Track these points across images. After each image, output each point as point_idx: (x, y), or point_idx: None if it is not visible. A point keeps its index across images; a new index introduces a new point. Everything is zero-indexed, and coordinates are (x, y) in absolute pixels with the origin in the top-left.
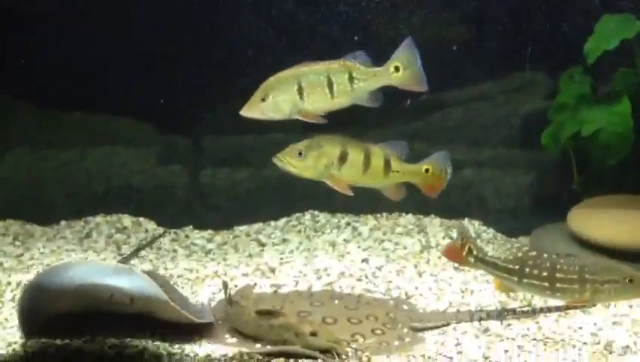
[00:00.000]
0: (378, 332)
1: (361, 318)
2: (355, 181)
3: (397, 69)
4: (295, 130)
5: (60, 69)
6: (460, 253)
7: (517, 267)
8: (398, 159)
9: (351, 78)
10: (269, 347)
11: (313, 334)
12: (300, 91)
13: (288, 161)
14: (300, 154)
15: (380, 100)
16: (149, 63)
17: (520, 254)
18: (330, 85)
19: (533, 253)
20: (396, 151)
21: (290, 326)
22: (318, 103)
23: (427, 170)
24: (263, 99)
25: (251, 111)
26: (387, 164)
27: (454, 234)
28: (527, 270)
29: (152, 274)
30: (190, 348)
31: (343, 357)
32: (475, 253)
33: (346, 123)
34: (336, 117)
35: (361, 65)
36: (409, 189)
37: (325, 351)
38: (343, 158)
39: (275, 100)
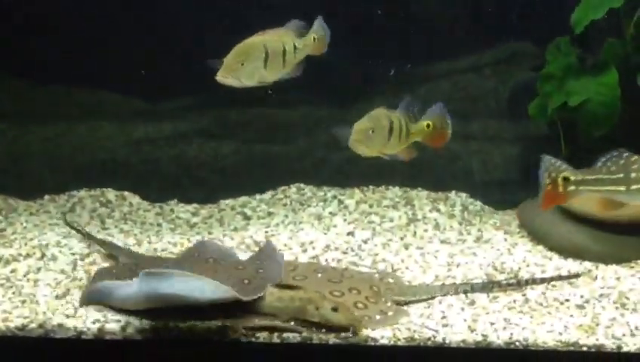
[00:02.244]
0: (360, 306)
1: (343, 291)
2: (394, 149)
3: (314, 39)
4: (274, 103)
5: (45, 42)
6: (558, 192)
7: (622, 175)
8: (408, 119)
9: (295, 48)
10: (256, 321)
11: (334, 309)
12: (266, 59)
13: (363, 143)
14: (372, 131)
15: (302, 69)
16: (134, 35)
17: (622, 162)
18: (284, 54)
19: (635, 157)
20: (406, 110)
21: (311, 300)
22: (274, 72)
23: (428, 126)
24: (242, 64)
25: (229, 76)
26: (406, 126)
27: (441, 207)
28: (634, 175)
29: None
30: (173, 322)
31: (361, 336)
32: (572, 178)
33: (330, 96)
34: (318, 89)
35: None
36: (396, 163)
37: (344, 328)
38: (390, 130)
39: (251, 66)
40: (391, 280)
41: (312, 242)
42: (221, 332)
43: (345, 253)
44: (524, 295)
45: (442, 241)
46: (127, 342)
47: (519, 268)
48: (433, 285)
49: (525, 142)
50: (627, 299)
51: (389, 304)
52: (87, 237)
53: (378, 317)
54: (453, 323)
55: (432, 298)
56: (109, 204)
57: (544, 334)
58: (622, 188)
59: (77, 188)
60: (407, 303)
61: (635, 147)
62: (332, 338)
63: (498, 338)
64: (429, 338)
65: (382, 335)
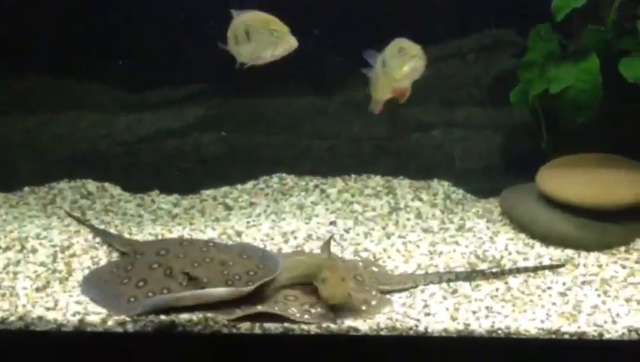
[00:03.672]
0: None
1: None
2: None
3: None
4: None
5: (26, 33)
6: None
7: None
8: None
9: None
10: (239, 311)
11: (323, 281)
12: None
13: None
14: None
15: None
16: (116, 25)
17: None
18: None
19: None
20: None
21: (320, 267)
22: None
23: None
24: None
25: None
26: None
27: (423, 195)
28: None
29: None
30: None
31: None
32: None
33: (312, 85)
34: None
35: None
36: (380, 152)
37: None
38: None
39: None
40: (375, 269)
41: (293, 232)
42: (205, 323)
43: None
44: (506, 283)
45: (424, 230)
46: (107, 334)
47: (501, 257)
48: (417, 274)
49: (508, 130)
50: (609, 286)
51: (373, 293)
52: (90, 228)
53: (364, 307)
54: (435, 312)
55: (416, 287)
56: (89, 196)
57: (526, 322)
58: None
59: (57, 180)
60: (390, 292)
61: (615, 134)
62: (313, 329)
63: (480, 326)
64: (411, 328)
65: (364, 324)
